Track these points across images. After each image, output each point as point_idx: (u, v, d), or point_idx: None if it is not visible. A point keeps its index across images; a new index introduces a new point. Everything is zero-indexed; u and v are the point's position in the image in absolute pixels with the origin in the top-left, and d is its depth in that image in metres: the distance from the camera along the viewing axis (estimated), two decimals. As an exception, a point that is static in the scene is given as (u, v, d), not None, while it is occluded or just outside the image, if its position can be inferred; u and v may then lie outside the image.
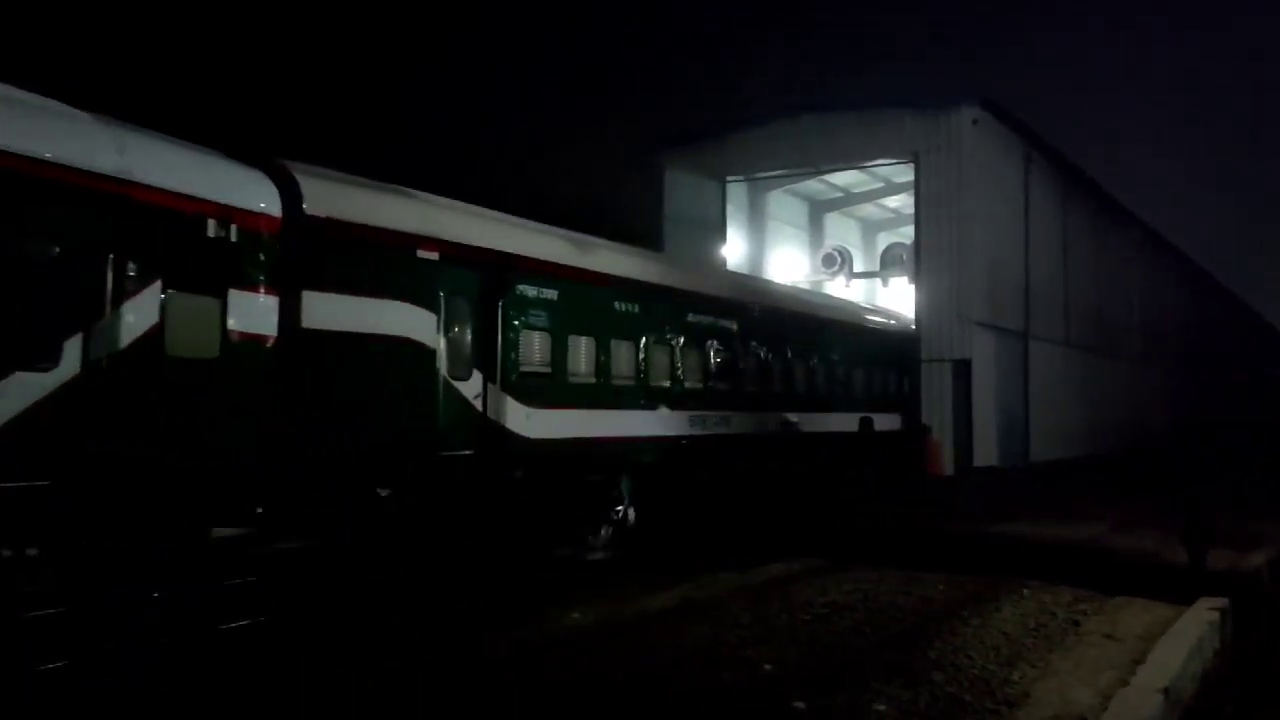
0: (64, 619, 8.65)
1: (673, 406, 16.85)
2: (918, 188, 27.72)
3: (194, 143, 10.51)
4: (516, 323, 13.70)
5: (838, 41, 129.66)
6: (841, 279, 31.40)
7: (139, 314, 9.17)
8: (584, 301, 15.02)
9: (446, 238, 12.70)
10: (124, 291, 9.04)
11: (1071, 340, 34.20)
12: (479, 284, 13.16)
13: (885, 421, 24.38)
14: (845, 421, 22.66)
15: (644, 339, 16.28)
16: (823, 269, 31.96)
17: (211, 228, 9.88)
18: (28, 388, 8.35)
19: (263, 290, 10.41)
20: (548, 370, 14.24)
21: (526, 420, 13.66)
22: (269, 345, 10.44)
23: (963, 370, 26.43)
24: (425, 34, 52.95)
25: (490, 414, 13.15)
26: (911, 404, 26.09)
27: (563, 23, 74.68)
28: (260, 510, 10.51)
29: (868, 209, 37.73)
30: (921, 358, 26.61)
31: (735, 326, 18.75)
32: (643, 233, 27.47)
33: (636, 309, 16.13)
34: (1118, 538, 20.27)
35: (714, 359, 18.08)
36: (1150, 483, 29.67)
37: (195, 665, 9.49)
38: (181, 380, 9.53)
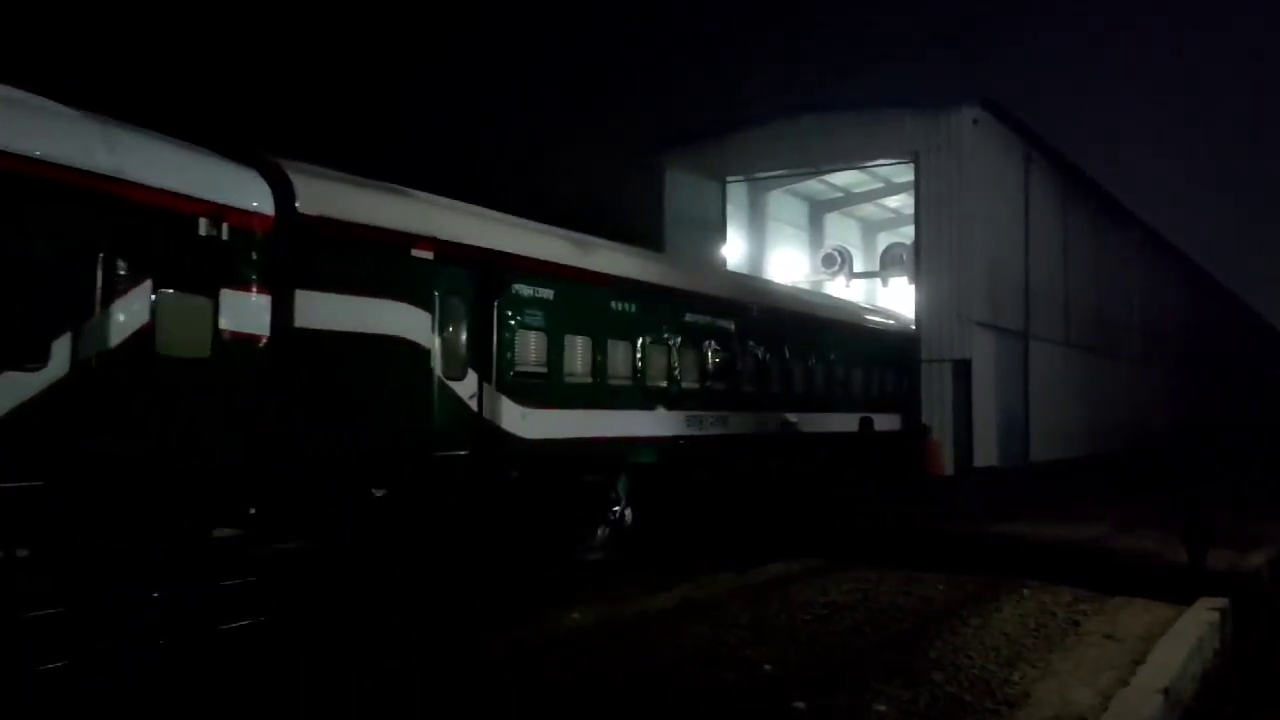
0: (62, 619, 8.59)
1: (670, 407, 16.78)
2: (918, 188, 27.65)
3: (187, 141, 10.43)
4: (512, 322, 13.63)
5: (838, 41, 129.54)
6: (841, 279, 31.33)
7: (129, 313, 9.08)
8: (580, 301, 14.94)
9: (441, 237, 12.63)
10: (114, 291, 8.96)
11: (1071, 340, 34.14)
12: (474, 283, 13.08)
13: (885, 422, 24.34)
14: (845, 422, 22.61)
15: (641, 339, 16.21)
16: (823, 269, 31.90)
17: (203, 226, 9.80)
18: (15, 387, 8.27)
19: (255, 289, 10.32)
20: (544, 370, 14.17)
21: (522, 420, 13.59)
22: (261, 345, 10.35)
23: (963, 370, 26.37)
24: (425, 34, 52.90)
25: (485, 414, 13.07)
26: (911, 404, 26.04)
27: (563, 23, 74.63)
28: (253, 511, 10.42)
29: (868, 209, 37.67)
30: (921, 358, 26.55)
31: (734, 326, 18.68)
32: (643, 233, 27.40)
33: (634, 309, 16.06)
34: (1118, 538, 20.28)
35: (712, 359, 18.01)
36: (1150, 483, 29.65)
37: (192, 665, 9.44)
38: (173, 380, 9.45)
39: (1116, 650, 10.90)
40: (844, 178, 33.68)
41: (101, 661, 8.81)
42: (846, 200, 36.30)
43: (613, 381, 15.52)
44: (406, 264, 12.12)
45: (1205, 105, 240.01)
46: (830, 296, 27.70)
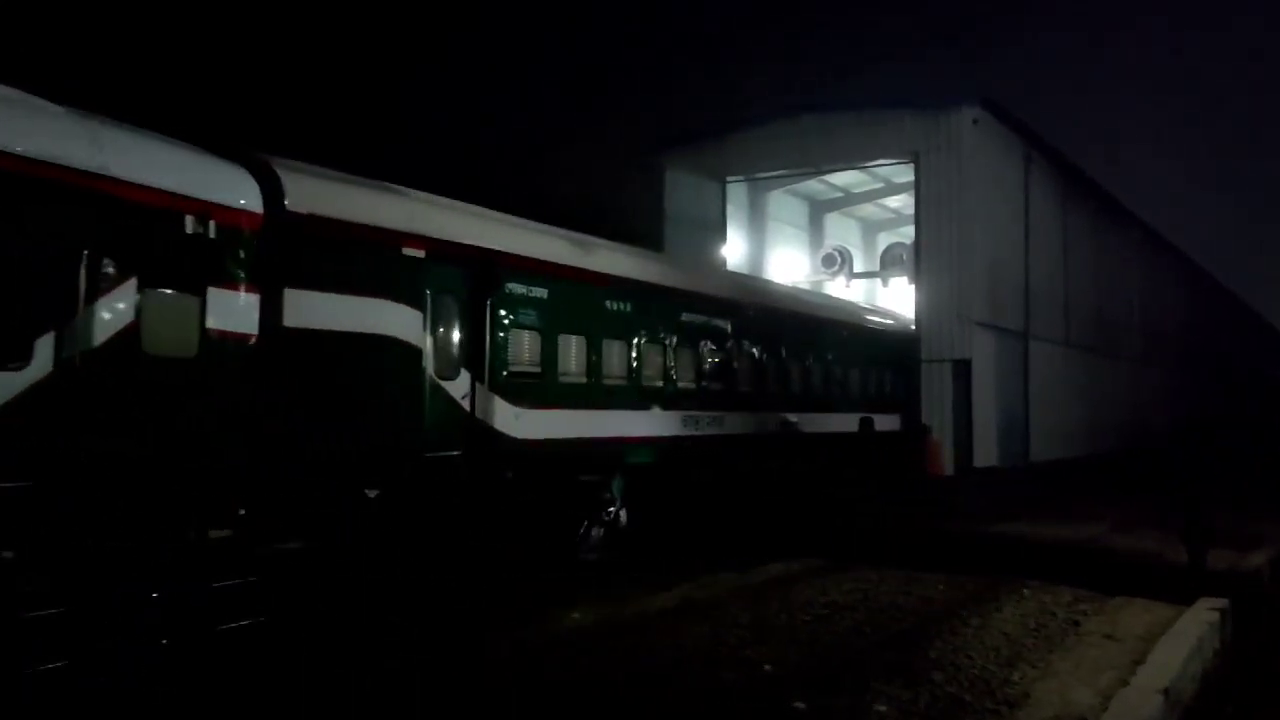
0: (62, 619, 8.53)
1: (666, 407, 16.68)
2: (918, 188, 27.60)
3: (175, 138, 10.34)
4: (505, 322, 13.53)
5: (838, 41, 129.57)
6: (841, 279, 31.30)
7: (114, 312, 8.97)
8: (575, 300, 14.84)
9: (433, 235, 12.53)
10: (98, 289, 8.85)
11: (1071, 340, 34.08)
12: (467, 282, 12.97)
13: (885, 422, 24.30)
14: (845, 422, 22.56)
15: (637, 339, 16.11)
16: (823, 269, 31.86)
17: (189, 224, 9.68)
18: None
19: (243, 288, 10.21)
20: (537, 370, 14.06)
21: (515, 420, 13.49)
22: (250, 344, 10.25)
23: (963, 370, 26.31)
24: (425, 34, 52.88)
25: (478, 414, 12.97)
26: (911, 404, 26.00)
27: (563, 23, 74.63)
28: (243, 512, 10.31)
29: (868, 209, 37.64)
30: (921, 358, 26.50)
31: (732, 326, 18.59)
32: (643, 233, 27.36)
33: (629, 308, 15.96)
34: (1118, 538, 20.25)
35: (709, 359, 17.92)
36: (1150, 483, 29.62)
37: (192, 665, 9.40)
38: (158, 379, 9.35)
39: (1116, 650, 10.87)
40: (844, 178, 33.64)
41: (101, 661, 8.75)
42: (846, 200, 36.27)
43: (608, 381, 15.42)
44: (397, 262, 12.02)
45: (1205, 105, 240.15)
46: (830, 296, 27.67)
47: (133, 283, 9.15)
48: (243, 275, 10.22)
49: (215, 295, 9.92)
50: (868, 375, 23.88)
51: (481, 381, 13.07)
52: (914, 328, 27.03)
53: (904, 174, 30.00)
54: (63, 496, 8.66)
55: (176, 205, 9.60)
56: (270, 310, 10.44)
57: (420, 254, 12.29)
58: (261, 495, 10.48)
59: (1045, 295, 31.61)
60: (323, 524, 11.00)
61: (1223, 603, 12.39)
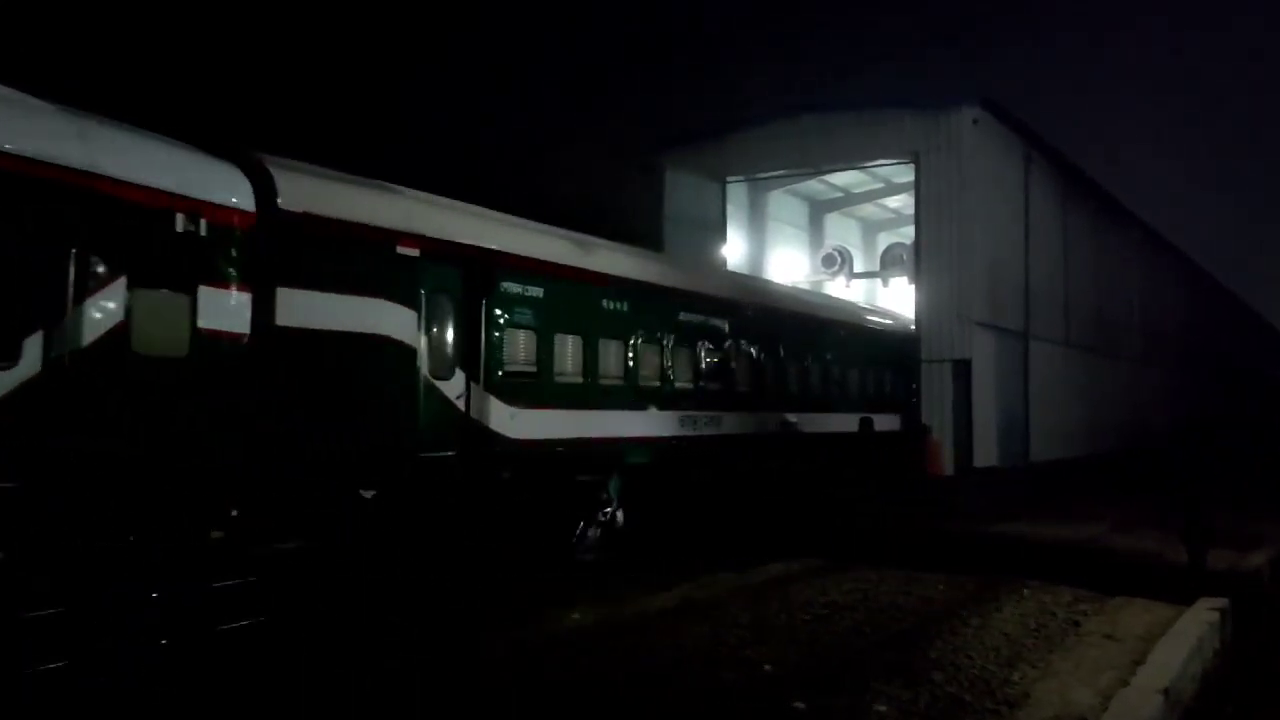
0: (62, 619, 8.49)
1: (664, 407, 16.61)
2: (918, 188, 27.53)
3: (167, 136, 10.27)
4: (501, 321, 13.46)
5: (838, 41, 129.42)
6: (841, 279, 31.28)
7: (103, 311, 8.90)
8: (571, 300, 14.77)
9: (427, 234, 12.46)
10: (87, 288, 8.78)
11: (1071, 340, 34.03)
12: (462, 281, 12.91)
13: (885, 422, 24.25)
14: (845, 422, 22.51)
15: (634, 338, 16.04)
16: (823, 269, 31.83)
17: (180, 222, 9.60)
18: None
19: (235, 287, 10.13)
20: (533, 370, 13.99)
21: (511, 420, 13.42)
22: (242, 344, 10.17)
23: (963, 370, 26.25)
24: (425, 34, 52.86)
25: (473, 414, 12.91)
26: (911, 404, 25.96)
27: (563, 23, 74.64)
28: (235, 513, 10.23)
29: (868, 209, 37.61)
30: (921, 358, 26.43)
31: (731, 326, 18.53)
32: (643, 233, 27.29)
33: (626, 308, 15.89)
34: (1118, 538, 20.26)
35: (708, 359, 17.86)
36: (1150, 483, 29.60)
37: (192, 665, 9.37)
38: (149, 379, 9.28)
39: (1116, 650, 10.85)
40: (844, 178, 33.60)
41: (101, 661, 8.72)
42: (846, 200, 36.23)
43: (604, 381, 15.35)
44: (392, 262, 11.95)
45: (1205, 105, 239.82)
46: (830, 296, 27.64)
47: (122, 282, 9.08)
48: (235, 274, 10.14)
49: (207, 294, 9.84)
50: (867, 375, 23.83)
51: (477, 381, 13.00)
52: (914, 328, 26.97)
53: (904, 174, 29.94)
54: (53, 497, 8.59)
55: (167, 203, 9.52)
56: (263, 310, 10.36)
57: (415, 253, 12.22)
58: (255, 496, 10.40)
59: (1045, 295, 31.56)
60: (318, 524, 10.93)
61: (1223, 603, 12.38)
